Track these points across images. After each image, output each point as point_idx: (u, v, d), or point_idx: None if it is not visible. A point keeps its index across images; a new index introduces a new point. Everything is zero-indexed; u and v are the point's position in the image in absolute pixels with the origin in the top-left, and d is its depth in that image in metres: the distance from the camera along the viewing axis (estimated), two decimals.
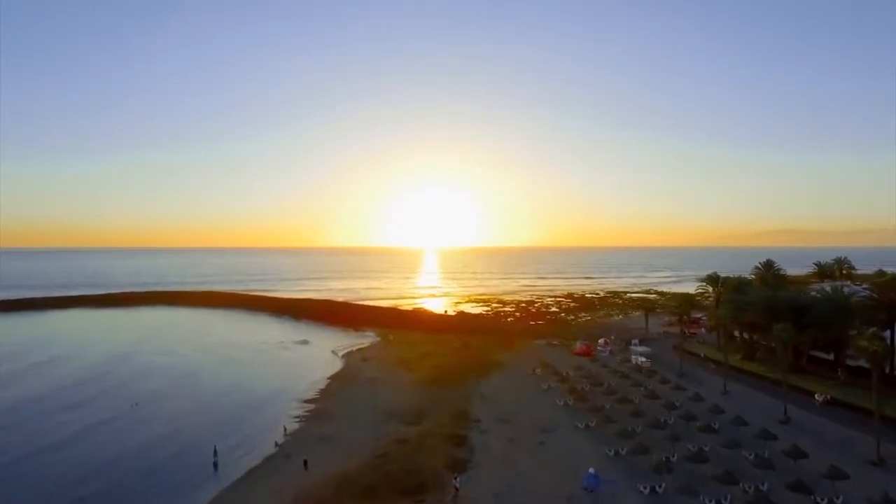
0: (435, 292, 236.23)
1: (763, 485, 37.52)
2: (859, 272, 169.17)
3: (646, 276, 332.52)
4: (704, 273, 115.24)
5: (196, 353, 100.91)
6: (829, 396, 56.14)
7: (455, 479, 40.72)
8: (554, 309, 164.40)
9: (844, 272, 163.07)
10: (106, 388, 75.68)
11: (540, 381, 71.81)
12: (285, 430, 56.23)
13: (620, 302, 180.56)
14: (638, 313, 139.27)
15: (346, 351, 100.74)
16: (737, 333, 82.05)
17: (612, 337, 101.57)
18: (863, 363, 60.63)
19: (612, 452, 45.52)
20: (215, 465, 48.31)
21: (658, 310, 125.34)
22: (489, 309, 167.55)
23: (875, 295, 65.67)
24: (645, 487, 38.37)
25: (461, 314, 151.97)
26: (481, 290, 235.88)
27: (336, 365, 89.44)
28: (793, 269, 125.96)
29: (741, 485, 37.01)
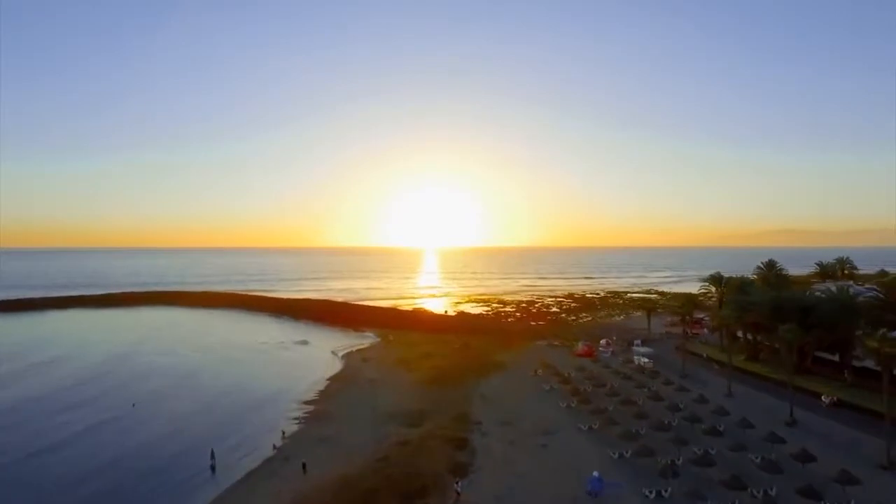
0: (435, 292, 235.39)
1: (772, 490, 36.73)
2: (861, 272, 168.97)
3: (646, 276, 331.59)
4: (705, 273, 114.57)
5: (195, 353, 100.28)
6: (835, 398, 55.35)
7: (456, 483, 39.94)
8: (554, 309, 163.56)
9: (846, 272, 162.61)
10: (105, 388, 75.36)
11: (541, 382, 71.03)
12: (283, 433, 55.47)
13: (621, 302, 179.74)
14: (639, 313, 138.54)
15: (345, 351, 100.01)
16: (740, 334, 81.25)
17: (614, 337, 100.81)
18: (868, 364, 59.97)
19: (616, 455, 44.76)
20: (213, 467, 47.78)
21: (659, 310, 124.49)
22: (489, 309, 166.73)
23: (882, 295, 64.86)
24: (650, 492, 37.58)
25: (461, 314, 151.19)
26: (481, 290, 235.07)
27: (335, 366, 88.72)
28: (793, 269, 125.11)
29: (749, 490, 36.20)
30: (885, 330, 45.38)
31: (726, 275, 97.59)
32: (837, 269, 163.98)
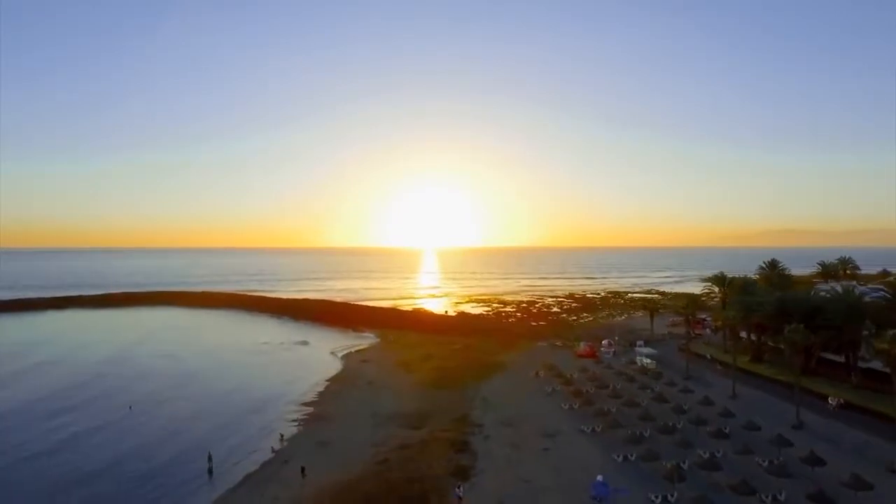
0: (435, 292, 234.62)
1: (781, 494, 35.88)
2: (862, 272, 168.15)
3: (647, 276, 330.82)
4: (706, 273, 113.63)
5: (194, 354, 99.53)
6: (842, 400, 54.39)
7: (458, 487, 39.10)
8: (555, 309, 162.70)
9: (848, 272, 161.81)
10: (103, 389, 74.74)
11: (543, 383, 70.20)
12: (282, 436, 54.63)
13: (622, 302, 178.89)
14: (640, 314, 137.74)
15: (345, 352, 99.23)
16: (744, 334, 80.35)
17: (616, 338, 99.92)
18: (875, 365, 59.07)
19: (621, 458, 43.91)
20: (210, 471, 47.03)
21: (661, 310, 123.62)
22: (490, 309, 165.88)
23: (889, 295, 63.95)
24: (656, 496, 36.72)
25: (462, 315, 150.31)
26: (482, 291, 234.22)
27: (335, 366, 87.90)
28: (794, 269, 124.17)
29: (758, 495, 35.37)
30: (894, 331, 44.48)
31: (728, 275, 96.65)
32: (839, 269, 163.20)
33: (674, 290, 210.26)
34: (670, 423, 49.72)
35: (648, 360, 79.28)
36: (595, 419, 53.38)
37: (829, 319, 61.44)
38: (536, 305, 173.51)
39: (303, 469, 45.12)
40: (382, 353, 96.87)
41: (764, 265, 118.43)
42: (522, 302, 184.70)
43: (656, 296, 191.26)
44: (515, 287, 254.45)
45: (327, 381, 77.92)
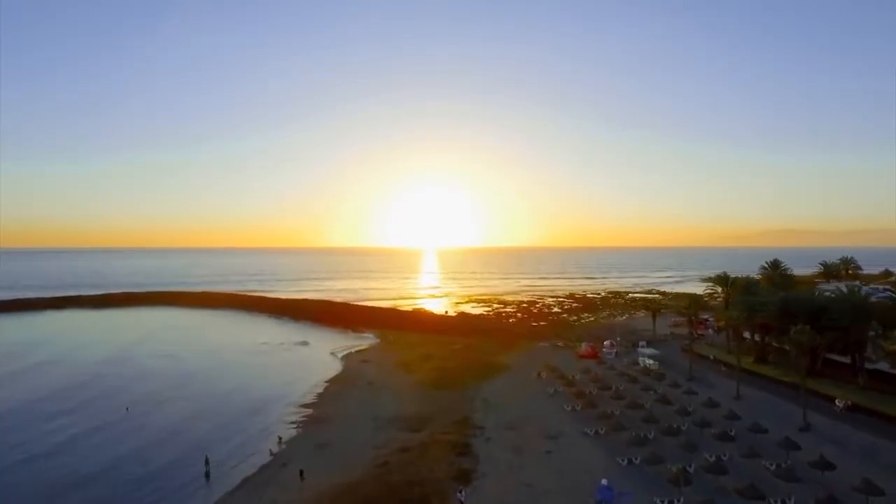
0: (435, 293, 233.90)
1: (790, 499, 35.10)
2: (864, 272, 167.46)
3: (647, 276, 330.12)
4: (706, 273, 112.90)
5: (193, 354, 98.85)
6: (849, 402, 53.66)
7: (460, 492, 38.35)
8: (556, 310, 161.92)
9: (850, 272, 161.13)
10: (103, 390, 74.20)
11: (545, 384, 69.46)
12: (280, 439, 53.90)
13: (623, 302, 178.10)
14: (642, 314, 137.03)
15: (344, 353, 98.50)
16: (747, 335, 79.61)
17: (618, 338, 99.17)
18: (882, 367, 58.38)
19: (625, 462, 43.12)
20: (207, 474, 46.33)
21: (663, 310, 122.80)
22: (490, 310, 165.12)
23: None
24: (662, 501, 35.96)
25: (462, 315, 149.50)
26: (482, 291, 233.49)
27: (335, 367, 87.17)
28: (795, 269, 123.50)
29: (767, 500, 34.59)
30: None
31: (735, 275, 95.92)
32: (842, 268, 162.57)
33: (674, 291, 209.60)
34: (674, 425, 49.00)
35: (651, 361, 78.52)
36: (598, 421, 52.61)
37: (835, 320, 60.74)
38: (537, 305, 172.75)
39: (301, 472, 44.40)
40: (382, 354, 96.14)
41: (766, 265, 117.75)
42: (523, 302, 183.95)
43: (657, 296, 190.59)
44: (515, 287, 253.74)
45: (327, 382, 77.19)
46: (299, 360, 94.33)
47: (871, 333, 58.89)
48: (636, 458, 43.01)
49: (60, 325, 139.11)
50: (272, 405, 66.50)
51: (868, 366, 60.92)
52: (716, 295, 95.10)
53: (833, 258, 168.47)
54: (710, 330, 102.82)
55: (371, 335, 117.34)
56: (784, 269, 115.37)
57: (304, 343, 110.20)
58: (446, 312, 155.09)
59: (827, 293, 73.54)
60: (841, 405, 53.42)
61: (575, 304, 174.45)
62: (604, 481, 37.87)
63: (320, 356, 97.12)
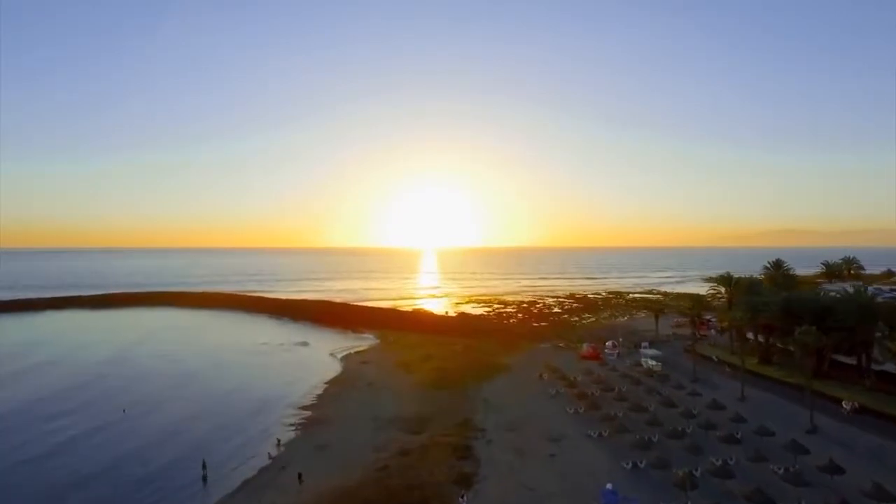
0: (435, 293, 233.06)
1: None
2: (866, 272, 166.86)
3: (648, 277, 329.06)
4: (707, 273, 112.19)
5: (193, 355, 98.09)
6: (857, 404, 52.88)
7: (462, 497, 37.62)
8: (556, 310, 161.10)
9: (853, 272, 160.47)
10: (103, 390, 73.70)
11: (547, 386, 68.73)
12: (279, 441, 53.15)
13: (624, 302, 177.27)
14: (643, 314, 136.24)
15: (344, 353, 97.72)
16: (750, 335, 78.85)
17: (620, 339, 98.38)
18: (889, 368, 57.64)
19: (630, 465, 42.37)
20: (204, 478, 45.63)
21: (665, 311, 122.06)
22: (490, 310, 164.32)
23: None
24: None
25: (462, 315, 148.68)
26: (482, 291, 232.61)
27: (334, 368, 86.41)
28: (796, 269, 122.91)
29: None
30: None
31: (738, 276, 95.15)
32: (844, 269, 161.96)
33: (675, 291, 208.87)
34: (679, 428, 48.34)
35: (654, 362, 77.72)
36: (601, 423, 51.87)
37: (841, 320, 59.98)
38: (537, 306, 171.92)
39: (300, 475, 43.69)
40: (382, 355, 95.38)
41: (769, 265, 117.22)
42: (523, 302, 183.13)
43: (658, 296, 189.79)
44: (516, 287, 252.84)
45: (326, 382, 76.44)
46: (299, 361, 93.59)
47: (878, 334, 58.12)
48: (641, 462, 42.28)
49: (60, 325, 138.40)
50: (272, 406, 65.82)
51: (875, 367, 60.20)
52: (719, 295, 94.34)
53: (833, 258, 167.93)
54: (712, 331, 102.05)
55: (371, 336, 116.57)
56: (787, 270, 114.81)
57: (304, 343, 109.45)
58: (446, 313, 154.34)
59: (832, 293, 72.75)
60: (848, 407, 52.65)
61: (576, 305, 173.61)
62: (608, 485, 37.21)
63: (320, 357, 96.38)
